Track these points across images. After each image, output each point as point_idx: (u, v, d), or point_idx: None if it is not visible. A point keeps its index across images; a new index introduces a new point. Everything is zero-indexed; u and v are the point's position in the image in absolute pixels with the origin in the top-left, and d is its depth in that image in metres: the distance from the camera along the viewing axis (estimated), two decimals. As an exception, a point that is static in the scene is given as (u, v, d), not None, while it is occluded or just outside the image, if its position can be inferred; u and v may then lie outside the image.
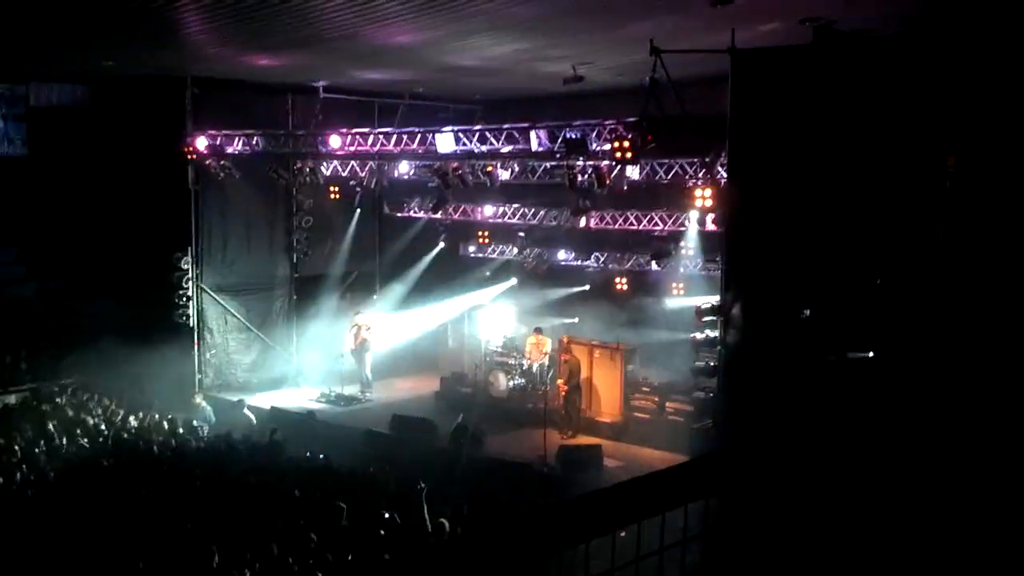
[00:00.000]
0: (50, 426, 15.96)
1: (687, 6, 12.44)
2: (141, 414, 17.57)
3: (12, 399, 18.91)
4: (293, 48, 16.11)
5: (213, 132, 20.02)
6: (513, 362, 19.53)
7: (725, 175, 14.23)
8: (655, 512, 5.41)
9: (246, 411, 18.77)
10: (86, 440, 15.59)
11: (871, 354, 11.09)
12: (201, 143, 19.97)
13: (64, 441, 15.37)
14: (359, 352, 20.70)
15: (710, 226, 15.76)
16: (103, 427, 16.59)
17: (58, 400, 18.42)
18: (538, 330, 19.48)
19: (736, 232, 13.17)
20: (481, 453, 16.57)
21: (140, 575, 9.68)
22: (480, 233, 22.35)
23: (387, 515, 11.48)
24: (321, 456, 15.20)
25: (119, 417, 17.29)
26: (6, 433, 15.65)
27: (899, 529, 7.62)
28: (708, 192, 14.90)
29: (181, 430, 16.87)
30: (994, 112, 10.91)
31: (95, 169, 20.78)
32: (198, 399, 19.32)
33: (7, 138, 20.30)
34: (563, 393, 18.01)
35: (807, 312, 11.76)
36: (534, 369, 19.25)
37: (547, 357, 19.19)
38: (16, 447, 14.74)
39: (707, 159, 15.13)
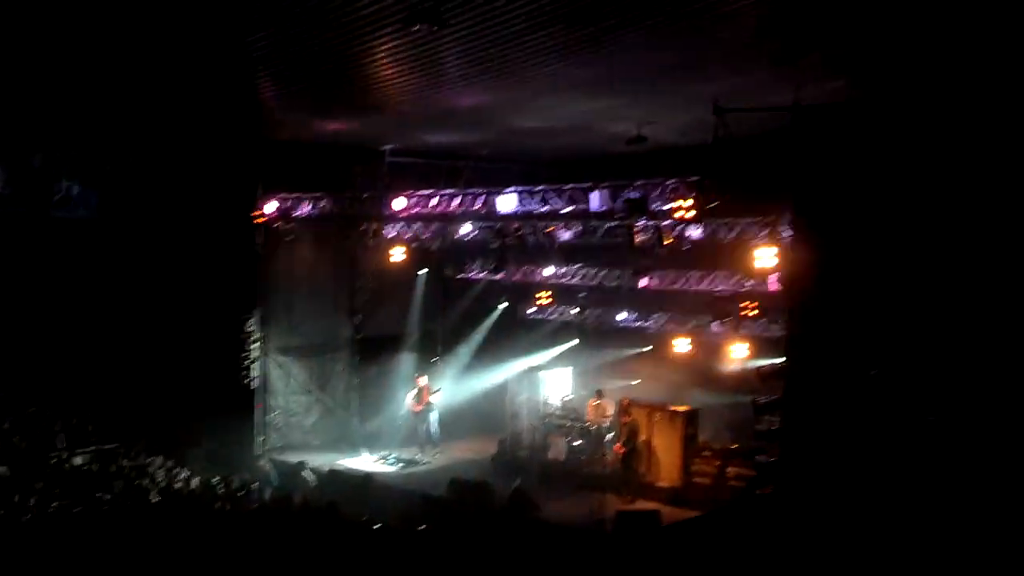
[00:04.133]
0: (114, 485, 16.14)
1: (750, 67, 12.40)
2: (203, 475, 17.66)
3: (79, 460, 19.13)
4: (360, 112, 16.43)
5: (284, 195, 20.34)
6: (572, 424, 19.30)
7: (789, 234, 14.05)
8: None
9: (305, 473, 18.76)
10: (151, 498, 15.71)
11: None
12: (270, 206, 20.28)
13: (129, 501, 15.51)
14: (424, 413, 20.66)
15: (773, 286, 15.52)
16: (165, 487, 16.71)
17: (124, 461, 18.61)
18: (599, 392, 19.27)
19: (800, 291, 12.95)
20: (538, 518, 16.31)
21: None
22: (540, 294, 22.32)
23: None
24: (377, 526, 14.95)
25: (181, 477, 17.39)
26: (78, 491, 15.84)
27: None
28: (771, 252, 14.68)
29: (242, 491, 16.91)
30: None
31: (165, 232, 21.15)
32: (261, 461, 19.40)
33: (82, 202, 20.75)
34: (620, 456, 17.72)
35: (874, 372, 11.44)
36: (593, 431, 18.99)
37: (608, 420, 18.93)
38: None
39: (771, 218, 14.93)
